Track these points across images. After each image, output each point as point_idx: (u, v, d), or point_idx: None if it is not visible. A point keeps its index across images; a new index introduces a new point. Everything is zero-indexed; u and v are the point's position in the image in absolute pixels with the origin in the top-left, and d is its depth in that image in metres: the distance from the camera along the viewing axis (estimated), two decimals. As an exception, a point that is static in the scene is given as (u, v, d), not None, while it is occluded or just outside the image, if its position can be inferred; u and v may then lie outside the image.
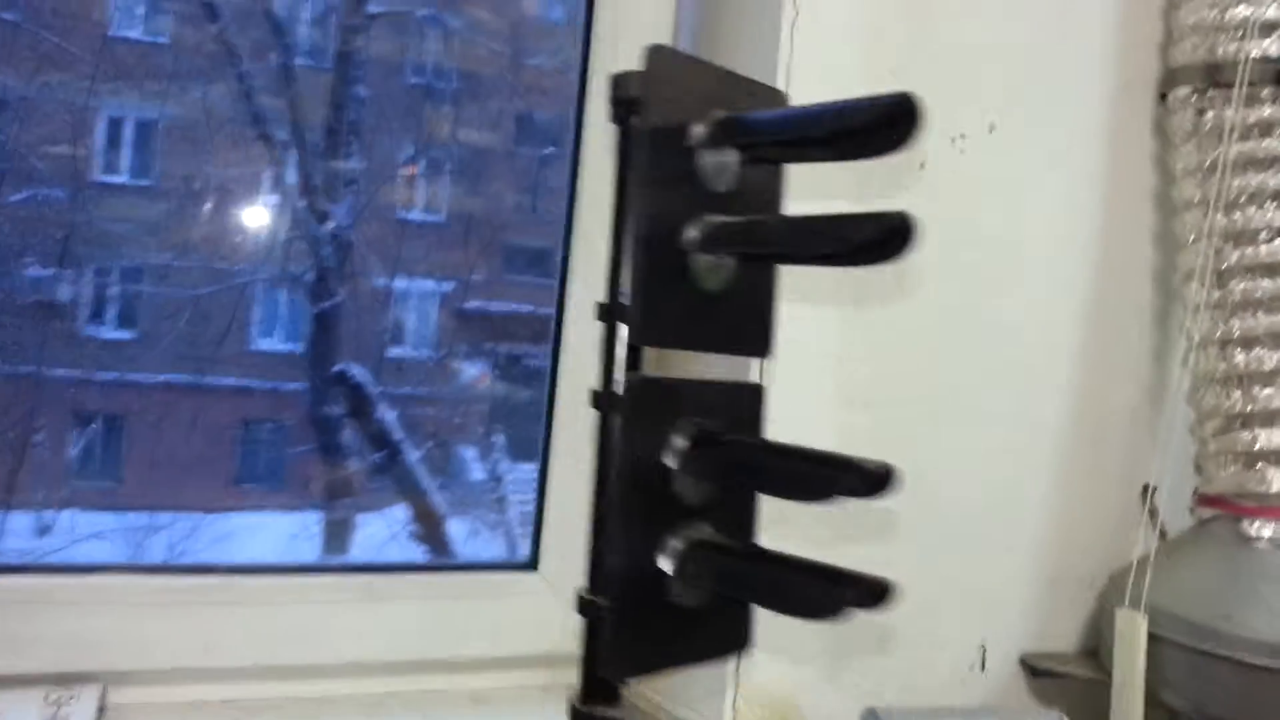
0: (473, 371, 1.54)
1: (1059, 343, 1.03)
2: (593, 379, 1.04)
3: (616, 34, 1.02)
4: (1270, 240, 0.93)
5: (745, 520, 0.51)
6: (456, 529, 1.50)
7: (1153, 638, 0.90)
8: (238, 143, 1.19)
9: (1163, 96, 1.03)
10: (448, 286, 1.48)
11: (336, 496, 1.42)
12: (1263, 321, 0.92)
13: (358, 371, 1.42)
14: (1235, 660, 0.86)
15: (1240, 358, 0.93)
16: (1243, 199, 0.93)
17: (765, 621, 0.87)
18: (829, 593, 0.41)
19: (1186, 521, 1.01)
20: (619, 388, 0.49)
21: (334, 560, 1.34)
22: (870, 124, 0.41)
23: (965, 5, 0.95)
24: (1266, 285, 0.92)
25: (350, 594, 0.93)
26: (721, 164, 0.49)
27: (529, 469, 1.69)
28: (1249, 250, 0.93)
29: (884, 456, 0.45)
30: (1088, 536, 1.05)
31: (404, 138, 1.40)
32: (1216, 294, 0.95)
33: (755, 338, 0.51)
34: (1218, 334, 0.95)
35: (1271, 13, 0.94)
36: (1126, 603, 0.93)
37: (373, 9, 1.35)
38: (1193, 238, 0.98)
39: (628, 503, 0.46)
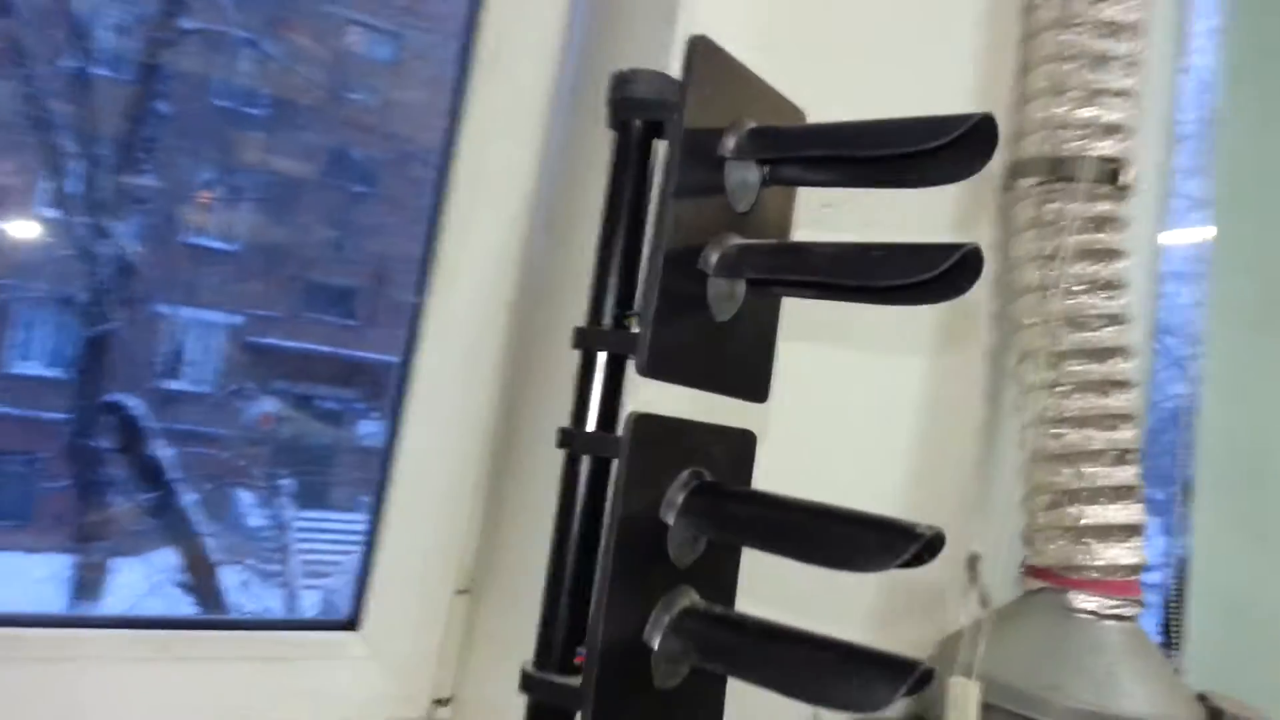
0: (259, 411, 1.44)
1: (897, 414, 1.06)
2: (444, 426, 0.98)
3: (499, 51, 1.00)
4: (1102, 327, 0.99)
5: (728, 584, 0.45)
6: (227, 578, 1.41)
7: (985, 706, 0.93)
8: (15, 148, 1.09)
9: (1007, 187, 1.09)
10: (238, 319, 1.40)
11: (92, 539, 1.30)
12: (1094, 403, 0.98)
13: (132, 403, 1.31)
14: (1063, 730, 0.89)
15: (1071, 436, 0.99)
16: (1078, 287, 0.99)
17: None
18: (841, 669, 0.37)
19: (1011, 593, 1.04)
20: (592, 426, 0.43)
21: (121, 614, 1.20)
22: (947, 143, 0.38)
23: (831, 82, 0.97)
24: (1097, 369, 0.98)
25: (145, 652, 0.84)
26: (745, 180, 0.45)
27: (315, 516, 1.58)
28: (1083, 335, 0.99)
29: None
30: (917, 604, 1.07)
31: (205, 160, 1.34)
32: (1051, 375, 1.00)
33: (755, 380, 0.47)
34: (1050, 413, 1.00)
35: (1113, 116, 1.01)
36: (957, 671, 0.95)
37: (186, 24, 1.26)
38: (1030, 321, 1.03)
39: (622, 563, 0.39)
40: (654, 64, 0.87)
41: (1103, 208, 0.99)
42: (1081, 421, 0.99)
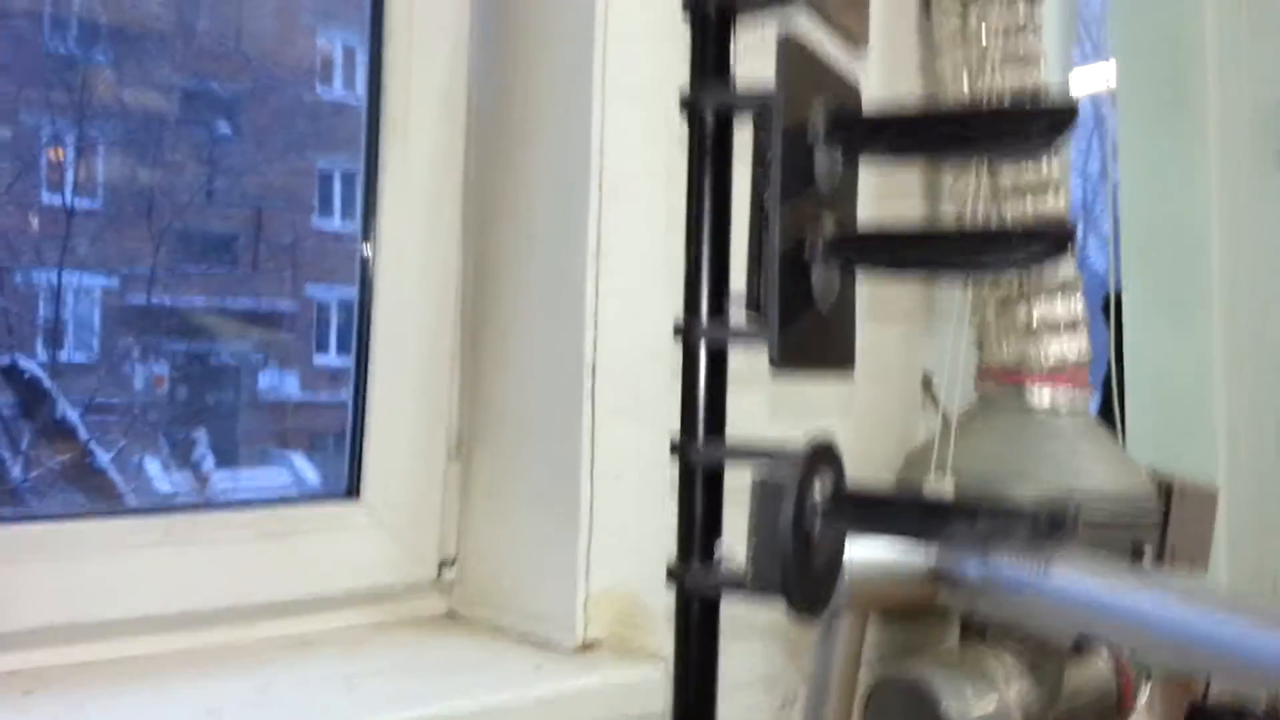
0: (149, 373, 1.38)
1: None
2: (414, 289, 0.97)
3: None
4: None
5: (854, 214, 0.49)
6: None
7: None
8: None
9: (926, 8, 1.15)
10: (114, 281, 1.34)
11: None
12: (1030, 206, 1.05)
13: (33, 366, 1.25)
14: (1036, 510, 0.96)
15: (1014, 240, 1.06)
16: (1007, 95, 1.06)
17: (605, 522, 0.85)
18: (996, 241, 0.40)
19: (967, 402, 1.11)
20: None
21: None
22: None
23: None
24: (1031, 175, 1.05)
25: (149, 538, 0.84)
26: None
27: (228, 474, 1.51)
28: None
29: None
30: (882, 423, 1.14)
31: (47, 111, 1.24)
32: (988, 181, 1.07)
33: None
34: (993, 219, 1.07)
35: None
36: (932, 472, 1.01)
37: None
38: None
39: (785, 182, 0.45)
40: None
41: (1021, 12, 1.06)
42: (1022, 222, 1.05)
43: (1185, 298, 1.31)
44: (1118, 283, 1.40)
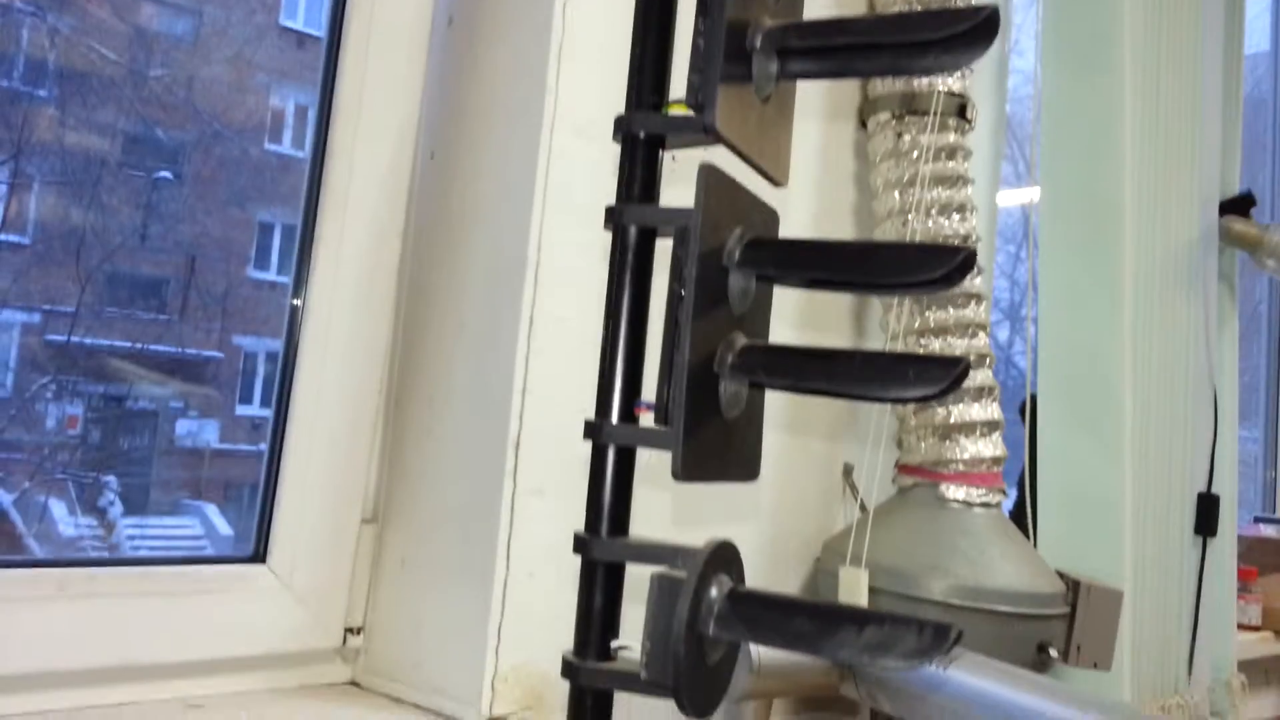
0: (62, 413, 1.35)
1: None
2: (341, 357, 0.97)
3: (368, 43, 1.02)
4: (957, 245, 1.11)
5: (765, 334, 0.51)
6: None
7: (871, 590, 1.01)
8: None
9: (863, 123, 1.20)
10: (35, 317, 1.32)
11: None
12: (952, 314, 1.09)
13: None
14: (944, 604, 0.98)
15: (935, 344, 1.09)
16: (934, 209, 1.11)
17: (518, 599, 0.86)
18: (894, 371, 0.43)
19: (884, 496, 1.14)
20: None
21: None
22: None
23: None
24: (957, 311, 1.10)
25: (42, 591, 0.82)
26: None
27: (136, 522, 1.48)
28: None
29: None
30: (802, 510, 1.17)
31: None
32: (909, 319, 1.11)
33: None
34: (915, 325, 1.11)
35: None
36: (848, 562, 1.03)
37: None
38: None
39: (699, 301, 0.48)
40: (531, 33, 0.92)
41: (952, 138, 1.11)
42: (942, 331, 1.10)
43: (1097, 408, 1.37)
44: (1034, 386, 1.46)
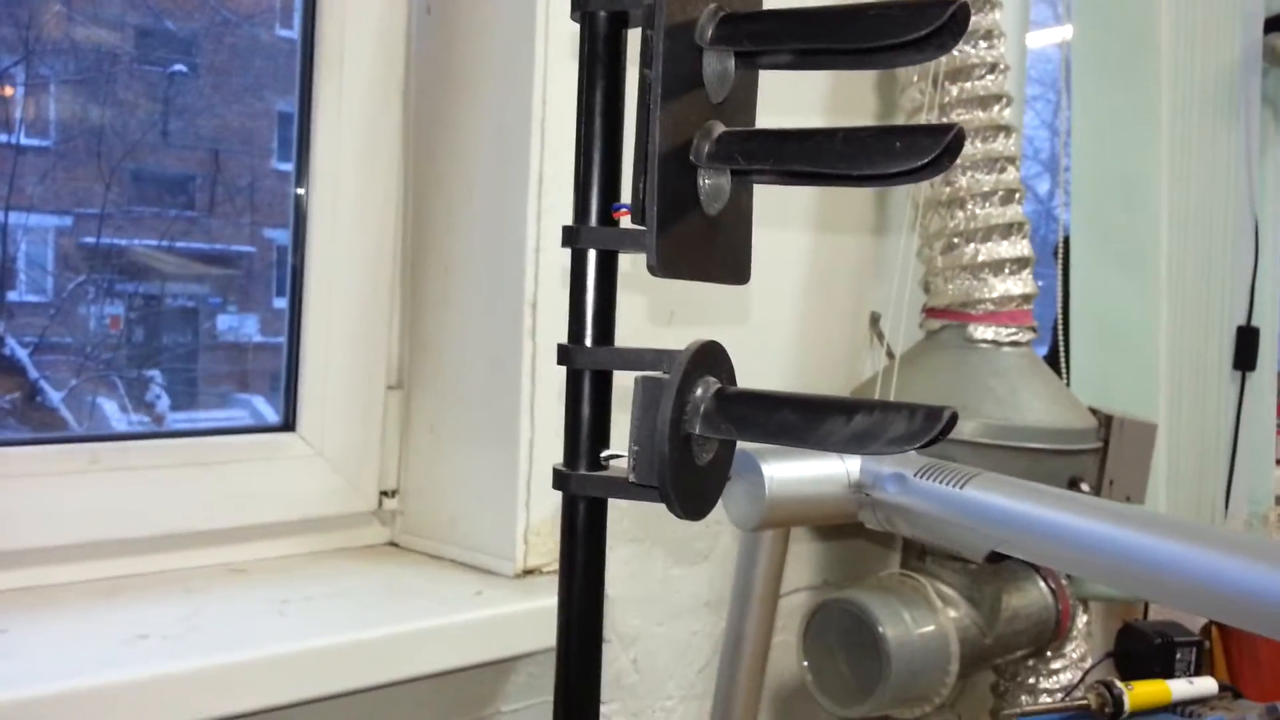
0: (105, 314, 1.37)
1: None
2: (350, 224, 0.96)
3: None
4: (984, 75, 1.07)
5: (750, 121, 0.48)
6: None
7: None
8: None
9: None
10: (66, 221, 1.32)
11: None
12: (979, 149, 1.05)
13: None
14: (973, 443, 0.97)
15: (962, 180, 1.05)
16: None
17: (545, 453, 0.86)
18: (879, 145, 0.40)
19: (912, 343, 1.12)
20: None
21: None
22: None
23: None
24: (982, 115, 1.06)
25: (75, 465, 0.84)
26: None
27: (186, 416, 1.51)
28: (967, 84, 1.06)
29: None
30: (829, 361, 1.14)
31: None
32: (933, 93, 1.07)
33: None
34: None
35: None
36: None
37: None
38: (915, 78, 1.09)
39: (668, 85, 0.44)
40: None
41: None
42: (971, 166, 1.05)
43: (1133, 243, 1.33)
44: (1067, 228, 1.41)
